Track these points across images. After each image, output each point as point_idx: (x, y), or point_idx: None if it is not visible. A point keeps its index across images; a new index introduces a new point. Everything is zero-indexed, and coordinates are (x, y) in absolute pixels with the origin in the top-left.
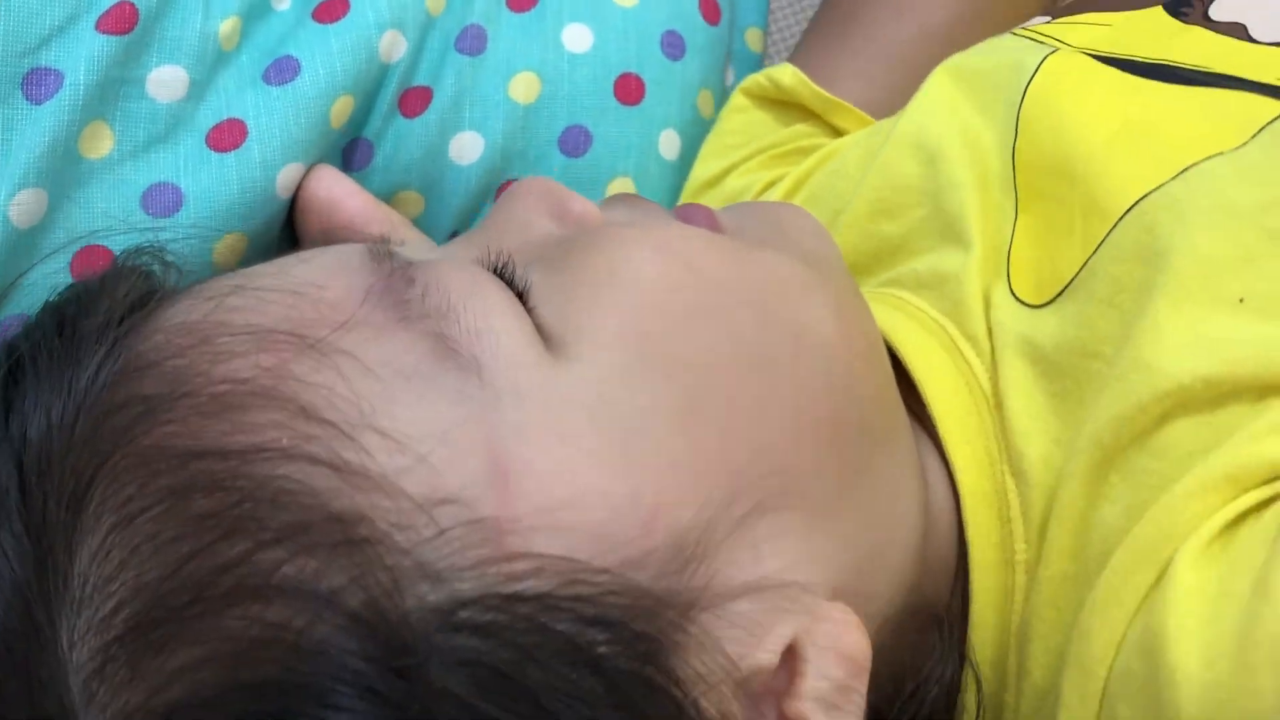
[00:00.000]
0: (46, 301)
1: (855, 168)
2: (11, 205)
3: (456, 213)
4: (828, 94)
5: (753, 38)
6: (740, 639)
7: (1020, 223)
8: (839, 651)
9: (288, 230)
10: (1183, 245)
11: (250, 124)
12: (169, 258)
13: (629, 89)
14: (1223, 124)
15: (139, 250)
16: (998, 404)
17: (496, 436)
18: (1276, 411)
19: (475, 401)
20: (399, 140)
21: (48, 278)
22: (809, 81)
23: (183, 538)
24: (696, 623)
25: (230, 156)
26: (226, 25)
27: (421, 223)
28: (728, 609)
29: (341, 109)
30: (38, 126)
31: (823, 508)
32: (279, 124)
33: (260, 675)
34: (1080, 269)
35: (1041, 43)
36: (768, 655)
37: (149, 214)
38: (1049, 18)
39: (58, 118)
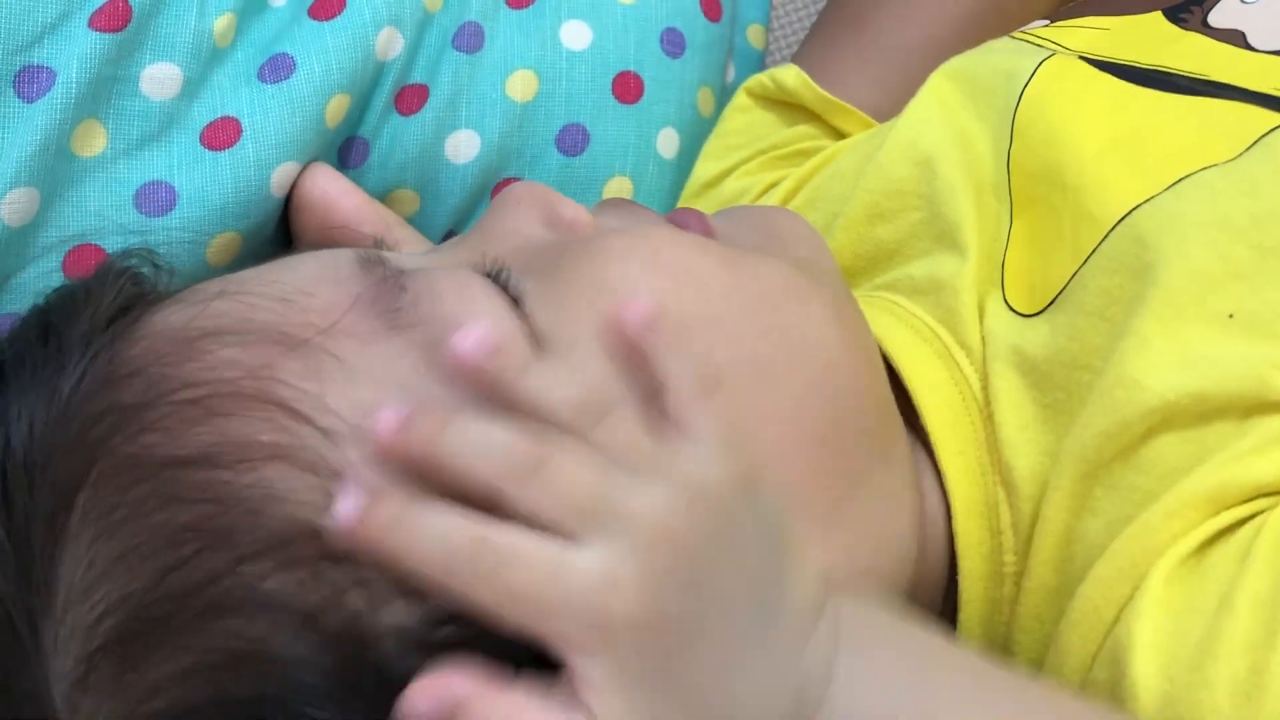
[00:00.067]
0: (33, 306)
1: (852, 171)
2: (3, 204)
3: (452, 211)
4: (831, 96)
5: (754, 34)
6: None
7: (1015, 229)
8: None
9: (282, 229)
10: (1173, 259)
11: (245, 122)
12: (159, 260)
13: (627, 87)
14: (1217, 135)
15: (128, 253)
16: (989, 415)
17: None
18: (1261, 431)
19: None
20: (395, 138)
21: (40, 278)
22: (812, 84)
23: (164, 549)
24: None
25: (224, 155)
26: (221, 22)
27: (417, 221)
28: None
29: (337, 107)
30: (30, 125)
31: (818, 520)
32: (274, 122)
33: (242, 691)
34: (1070, 279)
35: (1039, 46)
36: None
37: (142, 213)
38: (1047, 21)
39: (50, 116)
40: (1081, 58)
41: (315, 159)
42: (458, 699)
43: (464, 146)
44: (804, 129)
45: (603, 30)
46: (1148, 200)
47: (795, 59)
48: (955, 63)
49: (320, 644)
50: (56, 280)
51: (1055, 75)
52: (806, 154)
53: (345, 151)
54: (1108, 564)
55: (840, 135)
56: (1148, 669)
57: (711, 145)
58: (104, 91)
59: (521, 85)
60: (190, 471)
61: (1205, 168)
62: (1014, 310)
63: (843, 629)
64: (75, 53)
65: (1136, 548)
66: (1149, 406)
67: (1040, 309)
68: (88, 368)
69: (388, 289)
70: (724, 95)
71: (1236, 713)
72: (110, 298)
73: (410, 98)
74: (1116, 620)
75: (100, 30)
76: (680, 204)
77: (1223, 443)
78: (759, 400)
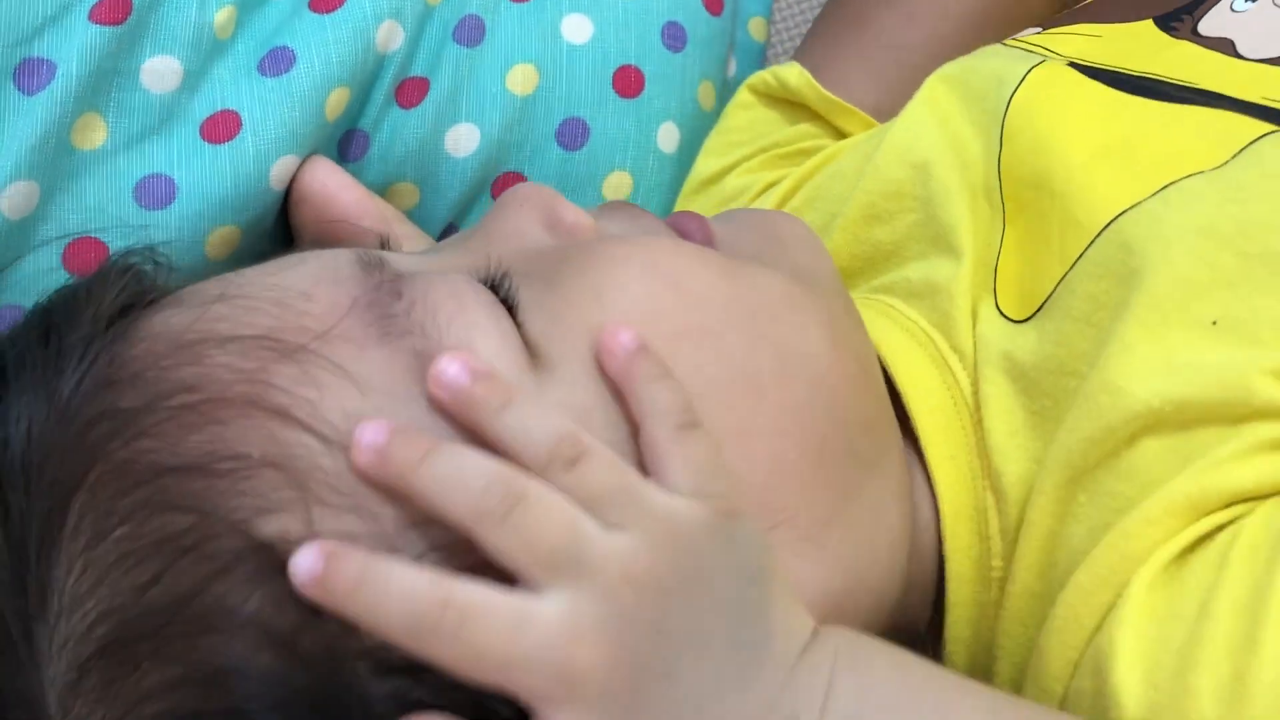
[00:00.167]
0: (34, 305)
1: (853, 171)
2: (3, 197)
3: (452, 205)
4: (833, 96)
5: (756, 27)
6: None
7: (1007, 235)
8: None
9: (282, 223)
10: (1159, 265)
11: (245, 115)
12: (160, 257)
13: (628, 81)
14: (1204, 143)
15: (130, 251)
16: (979, 420)
17: None
18: (1244, 437)
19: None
20: (395, 132)
21: (40, 272)
22: (815, 83)
23: (153, 559)
24: None
25: (224, 148)
26: (222, 15)
27: (416, 215)
28: None
29: (337, 100)
30: (30, 118)
31: (807, 534)
32: (274, 116)
33: (221, 705)
34: (1057, 284)
35: (1030, 52)
36: None
37: (142, 206)
38: (1040, 28)
39: (50, 109)
40: (1071, 64)
41: (315, 152)
42: None
43: (464, 140)
44: (806, 128)
45: (603, 24)
46: (1134, 206)
47: (797, 56)
48: (949, 68)
49: (297, 663)
50: (56, 273)
51: (1043, 82)
52: (807, 153)
53: (345, 144)
54: (1088, 571)
55: (842, 135)
56: (1131, 677)
57: (713, 141)
58: (104, 84)
59: (522, 79)
60: (183, 480)
61: (1192, 174)
62: (1005, 316)
63: (840, 657)
64: (75, 45)
65: (1116, 555)
66: (1132, 412)
67: (1030, 315)
68: (87, 370)
69: (384, 294)
70: (725, 89)
71: (1221, 719)
72: (112, 297)
73: (410, 91)
74: (1098, 628)
75: (100, 23)
76: (680, 200)
77: (1205, 450)
78: (747, 416)
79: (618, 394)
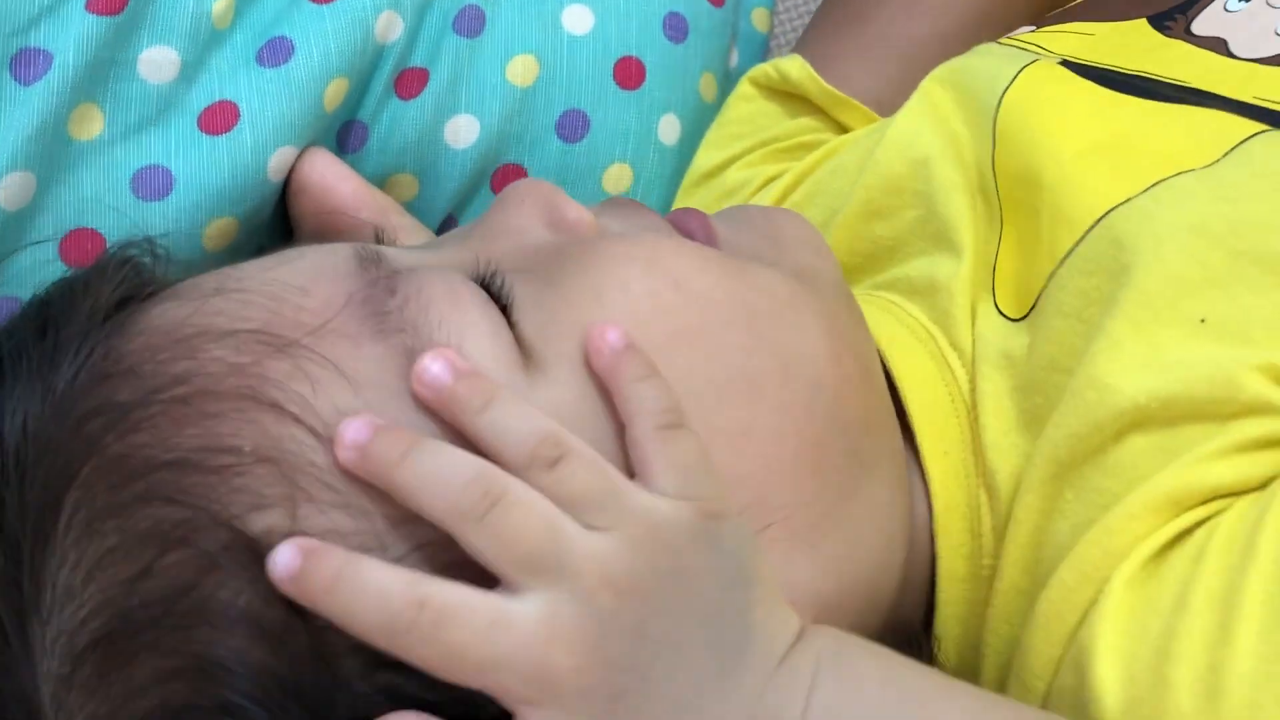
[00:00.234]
0: (32, 297)
1: (854, 166)
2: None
3: (451, 196)
4: (834, 90)
5: (759, 17)
6: None
7: (1005, 234)
8: None
9: (280, 214)
10: (1150, 262)
11: (242, 106)
12: (159, 249)
13: (629, 73)
14: (1195, 142)
15: (129, 243)
16: (975, 417)
17: None
18: (1232, 434)
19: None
20: (394, 123)
21: (37, 263)
22: (816, 77)
23: (147, 552)
24: None
25: (221, 139)
26: (219, 5)
27: (415, 206)
28: None
29: (336, 91)
30: (26, 108)
31: (804, 535)
32: (272, 106)
33: (209, 699)
34: (1048, 280)
35: (1023, 51)
36: None
37: (139, 197)
38: (1033, 26)
39: (47, 99)
40: (1063, 63)
41: (313, 143)
42: None
43: (463, 131)
44: (806, 121)
45: (605, 14)
46: (1125, 202)
47: (798, 49)
48: (942, 69)
49: (287, 658)
50: (53, 264)
51: (1035, 80)
52: (808, 147)
53: (344, 135)
54: (1070, 568)
55: (843, 129)
56: (1110, 673)
57: (714, 134)
58: (101, 75)
59: (522, 70)
60: (177, 474)
61: (1182, 172)
62: (1003, 315)
63: (823, 658)
64: (72, 35)
65: (1098, 551)
66: (1119, 409)
67: (1025, 313)
68: (83, 364)
69: (379, 290)
70: (727, 81)
71: (1198, 713)
72: (110, 290)
73: (410, 81)
74: (1080, 624)
75: (98, 13)
76: (680, 193)
77: (1191, 446)
78: (745, 417)
79: (608, 394)
